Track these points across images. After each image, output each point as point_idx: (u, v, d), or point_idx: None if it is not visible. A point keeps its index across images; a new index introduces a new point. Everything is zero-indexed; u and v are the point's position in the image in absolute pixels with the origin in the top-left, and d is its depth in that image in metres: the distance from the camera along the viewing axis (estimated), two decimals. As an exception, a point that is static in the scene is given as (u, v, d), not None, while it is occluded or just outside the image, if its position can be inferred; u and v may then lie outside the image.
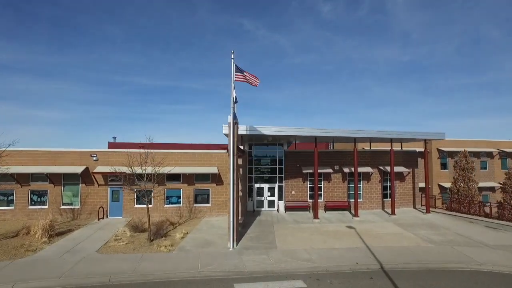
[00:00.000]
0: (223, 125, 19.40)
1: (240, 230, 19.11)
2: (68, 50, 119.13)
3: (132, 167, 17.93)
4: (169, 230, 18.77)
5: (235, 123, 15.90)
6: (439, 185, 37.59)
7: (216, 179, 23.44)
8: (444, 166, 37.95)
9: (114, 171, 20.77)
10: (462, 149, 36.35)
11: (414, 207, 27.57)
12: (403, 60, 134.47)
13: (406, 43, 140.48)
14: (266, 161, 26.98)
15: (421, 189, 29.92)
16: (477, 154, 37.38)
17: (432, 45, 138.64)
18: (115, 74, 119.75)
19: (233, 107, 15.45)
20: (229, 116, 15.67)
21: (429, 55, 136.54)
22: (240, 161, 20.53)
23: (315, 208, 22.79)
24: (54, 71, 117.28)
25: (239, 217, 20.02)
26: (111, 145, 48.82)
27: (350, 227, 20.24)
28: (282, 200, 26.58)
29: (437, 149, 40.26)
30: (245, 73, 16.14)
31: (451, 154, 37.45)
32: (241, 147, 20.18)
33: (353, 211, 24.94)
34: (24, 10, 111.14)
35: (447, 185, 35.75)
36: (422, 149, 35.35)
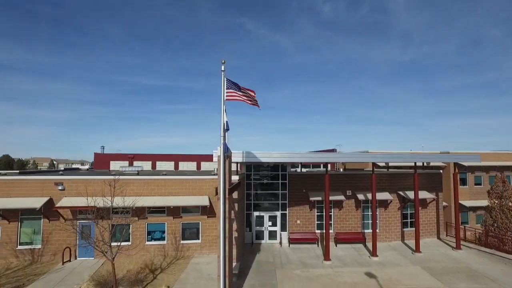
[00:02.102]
0: (213, 151, 15.69)
1: (235, 281, 15.31)
2: (68, 50, 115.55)
3: (96, 201, 14.26)
4: (146, 285, 14.93)
5: (227, 156, 12.08)
6: (458, 203, 34.07)
7: (207, 210, 19.62)
8: (463, 181, 34.27)
9: (81, 205, 17.07)
10: (484, 164, 32.71)
11: (438, 237, 23.78)
12: (404, 60, 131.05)
13: (407, 43, 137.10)
14: (267, 186, 23.14)
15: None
16: (499, 169, 33.65)
17: (432, 45, 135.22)
18: (115, 74, 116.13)
19: (224, 137, 11.63)
20: (218, 148, 11.86)
21: (430, 55, 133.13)
22: (235, 195, 16.74)
23: (325, 243, 18.98)
24: (53, 71, 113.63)
25: (234, 263, 16.23)
26: (98, 157, 45.03)
27: (370, 274, 16.43)
28: (285, 230, 22.77)
29: (455, 163, 36.54)
30: (242, 90, 12.34)
31: (471, 168, 33.78)
32: (237, 177, 16.41)
33: (368, 245, 21.21)
34: (24, 10, 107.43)
35: (467, 203, 32.19)
36: (443, 164, 31.71)
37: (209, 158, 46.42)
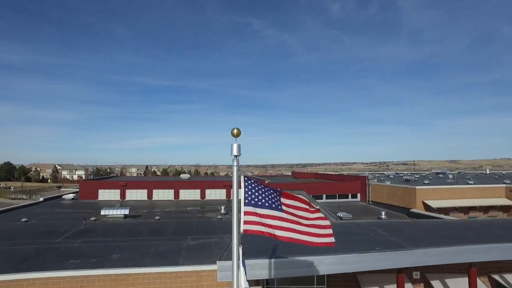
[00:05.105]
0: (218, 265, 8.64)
1: None
2: (74, 51, 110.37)
3: None
4: None
5: None
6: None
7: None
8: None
9: None
10: None
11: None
12: (411, 59, 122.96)
13: (415, 41, 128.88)
14: (295, 283, 16.04)
15: None
16: None
17: (440, 44, 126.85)
18: (120, 75, 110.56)
19: None
20: None
21: (437, 54, 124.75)
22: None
23: None
24: (59, 71, 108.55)
25: None
26: (84, 185, 38.43)
27: None
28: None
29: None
30: (283, 199, 5.21)
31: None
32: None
33: None
34: (31, 12, 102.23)
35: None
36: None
37: (214, 184, 39.64)
